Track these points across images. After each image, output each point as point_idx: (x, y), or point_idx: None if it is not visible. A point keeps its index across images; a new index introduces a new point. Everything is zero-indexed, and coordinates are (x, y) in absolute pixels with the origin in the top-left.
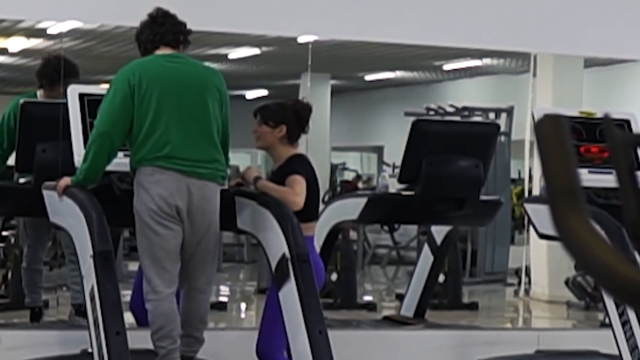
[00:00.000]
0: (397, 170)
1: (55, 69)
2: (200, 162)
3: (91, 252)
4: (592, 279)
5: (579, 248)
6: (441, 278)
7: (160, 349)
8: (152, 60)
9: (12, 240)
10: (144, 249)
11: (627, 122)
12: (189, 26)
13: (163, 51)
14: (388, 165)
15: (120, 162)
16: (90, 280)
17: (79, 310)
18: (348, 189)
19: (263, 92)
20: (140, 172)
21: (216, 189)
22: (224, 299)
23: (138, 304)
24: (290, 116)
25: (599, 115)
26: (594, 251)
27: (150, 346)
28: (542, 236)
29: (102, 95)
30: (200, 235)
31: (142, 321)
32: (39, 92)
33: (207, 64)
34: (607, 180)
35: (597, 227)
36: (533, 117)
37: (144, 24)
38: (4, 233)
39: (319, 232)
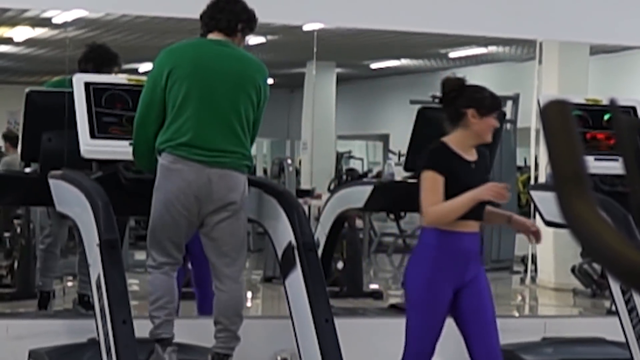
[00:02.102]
0: (402, 159)
1: (100, 55)
2: (222, 152)
3: (97, 241)
4: (599, 264)
5: (585, 233)
6: None
7: (155, 318)
8: (196, 43)
9: (19, 229)
10: (152, 229)
11: (633, 108)
12: (196, 15)
13: (215, 36)
14: (394, 153)
15: (126, 150)
16: (96, 269)
17: (82, 300)
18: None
19: (269, 81)
20: (164, 157)
21: (240, 178)
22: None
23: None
24: None
25: (605, 102)
26: (601, 236)
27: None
28: (548, 223)
29: (107, 84)
30: (225, 223)
31: (201, 309)
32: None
33: None
34: (613, 167)
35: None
36: (539, 105)
37: (208, 5)
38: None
39: (324, 220)
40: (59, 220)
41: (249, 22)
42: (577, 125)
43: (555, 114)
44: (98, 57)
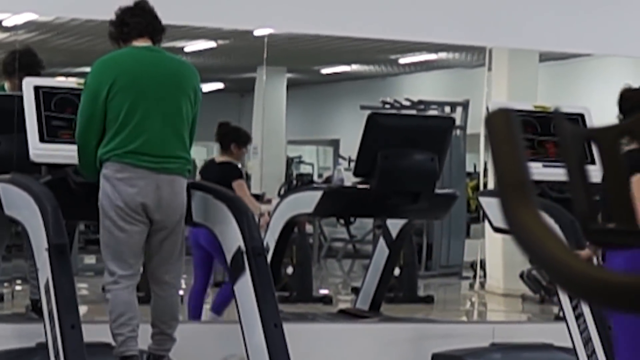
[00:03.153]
0: (352, 164)
1: (15, 61)
2: (169, 158)
3: (46, 245)
4: (542, 270)
5: (529, 242)
6: (397, 271)
7: (119, 336)
8: (127, 52)
9: None
10: (107, 244)
11: (582, 116)
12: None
13: (142, 42)
14: (344, 158)
15: (76, 155)
16: (45, 274)
17: (35, 306)
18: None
19: (219, 86)
20: (108, 166)
21: (183, 183)
22: (180, 292)
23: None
24: None
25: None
26: (544, 245)
27: (106, 339)
28: (497, 230)
29: (57, 88)
30: (169, 230)
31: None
32: (6, 84)
33: None
34: (561, 174)
35: (550, 221)
36: (488, 111)
37: (122, 11)
38: None
39: (274, 225)
40: None
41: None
42: (522, 134)
43: (500, 122)
44: (13, 63)
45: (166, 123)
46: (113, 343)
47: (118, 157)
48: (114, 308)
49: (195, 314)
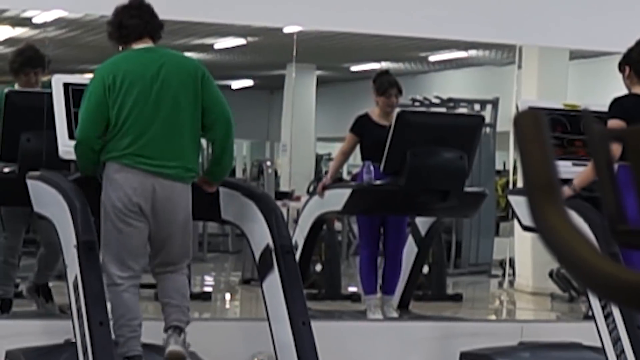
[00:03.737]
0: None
1: (26, 54)
2: (167, 162)
3: (75, 242)
4: (571, 275)
5: (556, 243)
6: (425, 269)
7: (120, 337)
8: (127, 55)
9: None
10: (107, 244)
11: None
12: (176, 16)
13: (143, 44)
14: None
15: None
16: (73, 270)
17: (43, 290)
18: None
19: (249, 82)
20: (108, 167)
21: (183, 189)
22: (208, 289)
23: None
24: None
25: (582, 108)
26: (572, 247)
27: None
28: (526, 228)
29: (86, 85)
30: (166, 234)
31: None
32: (16, 85)
33: (192, 54)
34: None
35: (579, 220)
36: (517, 109)
37: (119, 11)
38: None
39: (303, 223)
40: (14, 225)
41: (162, 26)
42: (550, 135)
43: (528, 123)
44: (19, 61)
45: (163, 129)
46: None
47: (117, 159)
48: (114, 309)
49: (368, 289)
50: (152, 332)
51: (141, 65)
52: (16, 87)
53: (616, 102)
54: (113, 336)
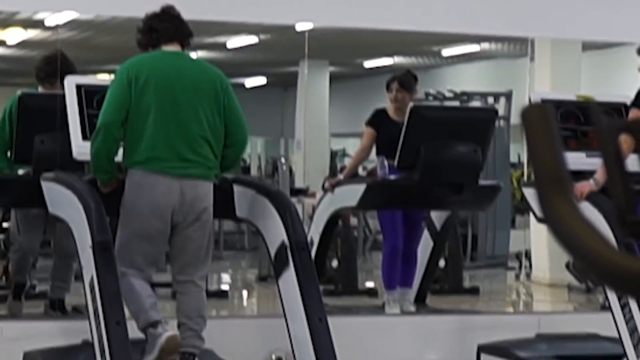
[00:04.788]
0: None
1: (54, 64)
2: (191, 162)
3: (90, 243)
4: (582, 267)
5: (567, 236)
6: (442, 263)
7: (139, 310)
8: (154, 56)
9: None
10: (123, 248)
11: (625, 105)
12: (188, 16)
13: (171, 47)
14: None
15: (119, 152)
16: (89, 271)
17: (59, 304)
18: None
19: (262, 80)
20: (133, 174)
21: (209, 187)
22: (225, 287)
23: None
24: None
25: (597, 98)
26: (582, 239)
27: None
28: (541, 220)
29: (99, 86)
30: (193, 232)
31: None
32: (40, 87)
33: (205, 53)
34: None
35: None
36: (530, 101)
37: (151, 17)
38: (4, 225)
39: (318, 219)
40: (29, 235)
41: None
42: (558, 128)
43: (535, 117)
44: (52, 67)
45: (185, 129)
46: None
47: (141, 165)
48: (130, 291)
49: (390, 283)
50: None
51: (166, 66)
52: (40, 89)
53: None
54: (131, 315)
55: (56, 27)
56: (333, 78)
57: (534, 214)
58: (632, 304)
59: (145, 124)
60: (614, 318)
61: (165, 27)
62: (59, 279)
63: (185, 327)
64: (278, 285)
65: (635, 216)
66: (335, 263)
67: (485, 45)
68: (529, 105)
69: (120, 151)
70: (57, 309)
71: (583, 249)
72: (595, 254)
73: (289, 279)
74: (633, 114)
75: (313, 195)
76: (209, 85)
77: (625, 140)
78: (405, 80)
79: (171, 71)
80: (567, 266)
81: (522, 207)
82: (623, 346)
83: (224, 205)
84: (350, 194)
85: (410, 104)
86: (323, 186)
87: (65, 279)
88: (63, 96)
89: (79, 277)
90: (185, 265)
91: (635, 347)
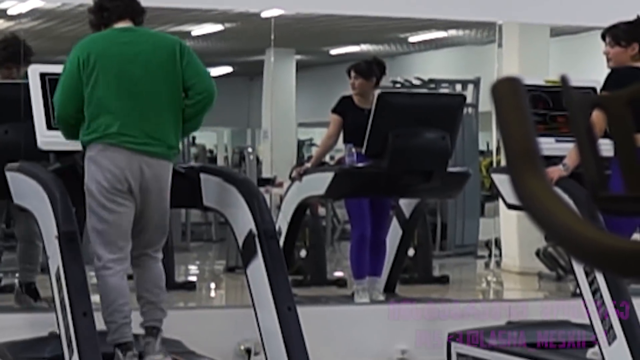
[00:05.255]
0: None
1: (10, 49)
2: (152, 140)
3: (56, 233)
4: (554, 242)
5: (539, 211)
6: (411, 252)
7: (112, 323)
8: (103, 35)
9: None
10: (95, 227)
11: (594, 89)
12: (151, 2)
13: (123, 24)
14: None
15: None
16: (55, 262)
17: (29, 288)
18: None
19: (228, 69)
20: (91, 148)
21: (168, 167)
22: (192, 278)
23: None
24: None
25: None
26: (555, 213)
27: None
28: (511, 207)
29: None
30: (151, 212)
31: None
32: None
33: None
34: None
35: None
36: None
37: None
38: None
39: (286, 208)
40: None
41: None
42: (529, 103)
43: (506, 91)
44: (8, 52)
45: (145, 102)
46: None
47: (100, 139)
48: (105, 295)
49: (358, 272)
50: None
51: (119, 43)
52: None
53: (614, 73)
54: (104, 323)
55: (19, 16)
56: (299, 66)
57: (504, 200)
58: (603, 289)
59: (103, 105)
60: (585, 304)
61: (116, 5)
62: (27, 262)
63: (144, 301)
64: (246, 275)
65: (608, 191)
66: (303, 253)
67: (452, 32)
68: (500, 79)
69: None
70: (27, 293)
71: (554, 224)
72: (566, 227)
73: (257, 268)
74: None
75: (280, 185)
76: (166, 55)
77: (597, 121)
78: (361, 67)
79: (126, 46)
80: (538, 254)
81: (492, 195)
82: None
83: (190, 194)
84: (318, 182)
85: (378, 91)
86: (290, 175)
87: (32, 261)
88: (27, 85)
89: (46, 269)
90: (145, 243)
91: (607, 332)
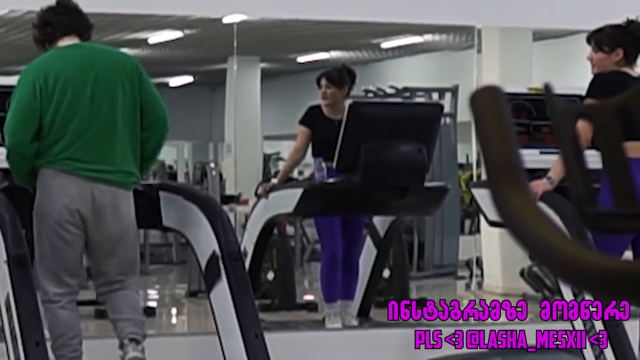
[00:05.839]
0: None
1: None
2: (106, 167)
3: (5, 257)
4: (536, 260)
5: (522, 228)
6: (386, 273)
7: (60, 357)
8: (57, 54)
9: None
10: (42, 257)
11: (580, 97)
12: (104, 8)
13: (69, 41)
14: None
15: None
16: (5, 288)
17: None
18: None
19: (188, 79)
20: (43, 173)
21: (125, 196)
22: (152, 303)
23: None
24: (627, 38)
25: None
26: (539, 230)
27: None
28: (493, 224)
29: (11, 87)
30: (110, 245)
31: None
32: None
33: (125, 50)
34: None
35: (549, 211)
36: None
37: (45, 11)
38: None
39: (251, 227)
40: None
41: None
42: (511, 114)
43: (486, 101)
44: None
45: (102, 127)
46: None
47: (52, 164)
48: (52, 328)
49: (329, 296)
50: (94, 352)
51: (73, 64)
52: None
53: (598, 78)
54: (52, 358)
55: None
56: (264, 75)
57: (485, 216)
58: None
59: (59, 126)
60: (573, 328)
61: (61, 19)
62: None
63: (120, 321)
64: (210, 300)
65: (596, 207)
66: (271, 275)
67: (428, 37)
68: (479, 88)
69: None
70: None
71: (539, 242)
72: (553, 247)
73: (222, 292)
74: (591, 103)
75: (245, 202)
76: (124, 75)
77: (583, 131)
78: (333, 75)
79: (81, 66)
80: (522, 274)
81: (472, 211)
82: (584, 357)
83: (149, 214)
84: (286, 200)
85: (349, 101)
86: (256, 192)
87: None
88: None
89: None
90: (109, 282)
91: (597, 358)
